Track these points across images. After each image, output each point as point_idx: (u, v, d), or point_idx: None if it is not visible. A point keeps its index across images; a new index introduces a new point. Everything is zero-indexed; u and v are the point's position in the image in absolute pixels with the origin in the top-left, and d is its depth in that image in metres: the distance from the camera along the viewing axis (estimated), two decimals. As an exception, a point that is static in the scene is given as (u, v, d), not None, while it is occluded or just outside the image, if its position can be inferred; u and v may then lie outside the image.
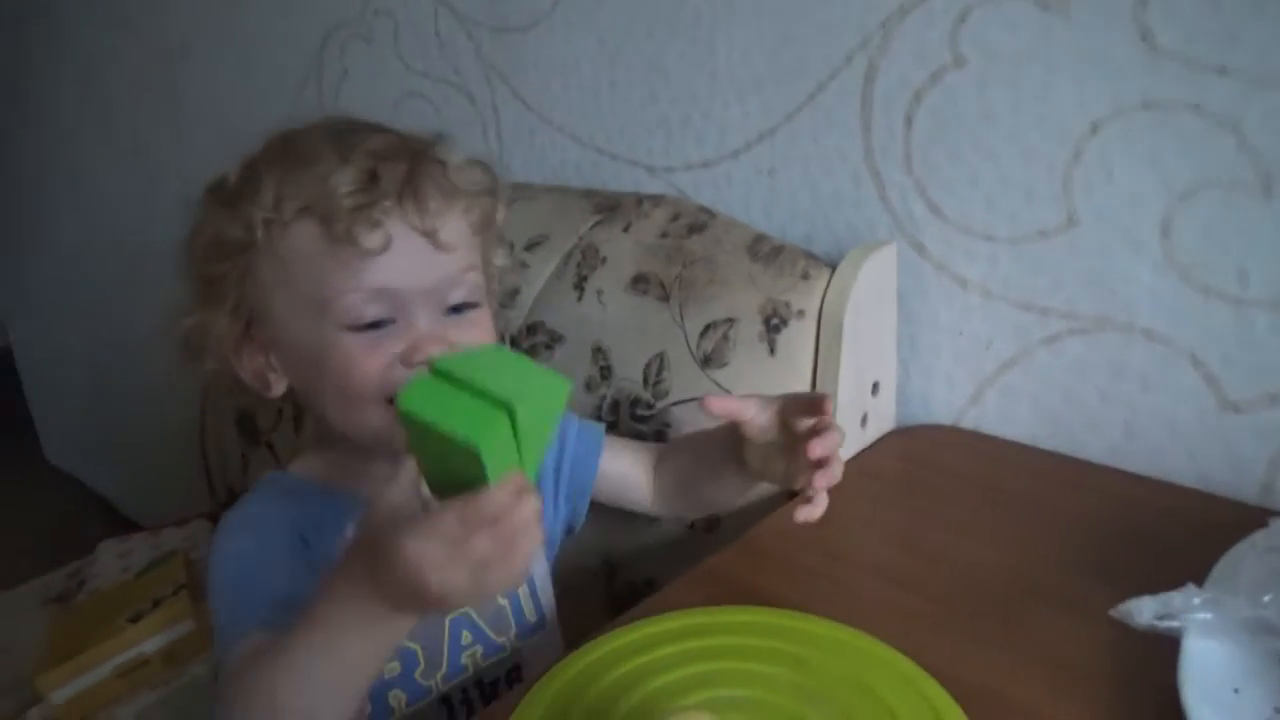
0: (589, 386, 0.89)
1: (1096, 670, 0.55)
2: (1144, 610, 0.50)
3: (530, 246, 0.96)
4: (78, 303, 2.18)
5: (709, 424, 0.81)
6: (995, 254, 0.79)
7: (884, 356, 0.84)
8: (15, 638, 1.22)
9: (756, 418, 0.66)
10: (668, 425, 0.85)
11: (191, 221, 0.69)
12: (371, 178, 0.62)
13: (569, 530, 0.81)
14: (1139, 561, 0.63)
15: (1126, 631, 0.51)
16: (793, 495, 0.72)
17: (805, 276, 0.79)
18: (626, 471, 0.79)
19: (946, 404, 0.86)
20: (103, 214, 1.98)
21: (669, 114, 0.98)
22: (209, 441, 1.43)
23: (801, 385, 0.79)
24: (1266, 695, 0.48)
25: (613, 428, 0.86)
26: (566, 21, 1.04)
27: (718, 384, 0.82)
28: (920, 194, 0.82)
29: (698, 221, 0.88)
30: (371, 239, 0.61)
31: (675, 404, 0.84)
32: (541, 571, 0.78)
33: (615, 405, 0.88)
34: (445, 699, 0.72)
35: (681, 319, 0.84)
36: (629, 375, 0.87)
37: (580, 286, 0.91)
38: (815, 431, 0.62)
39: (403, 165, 0.63)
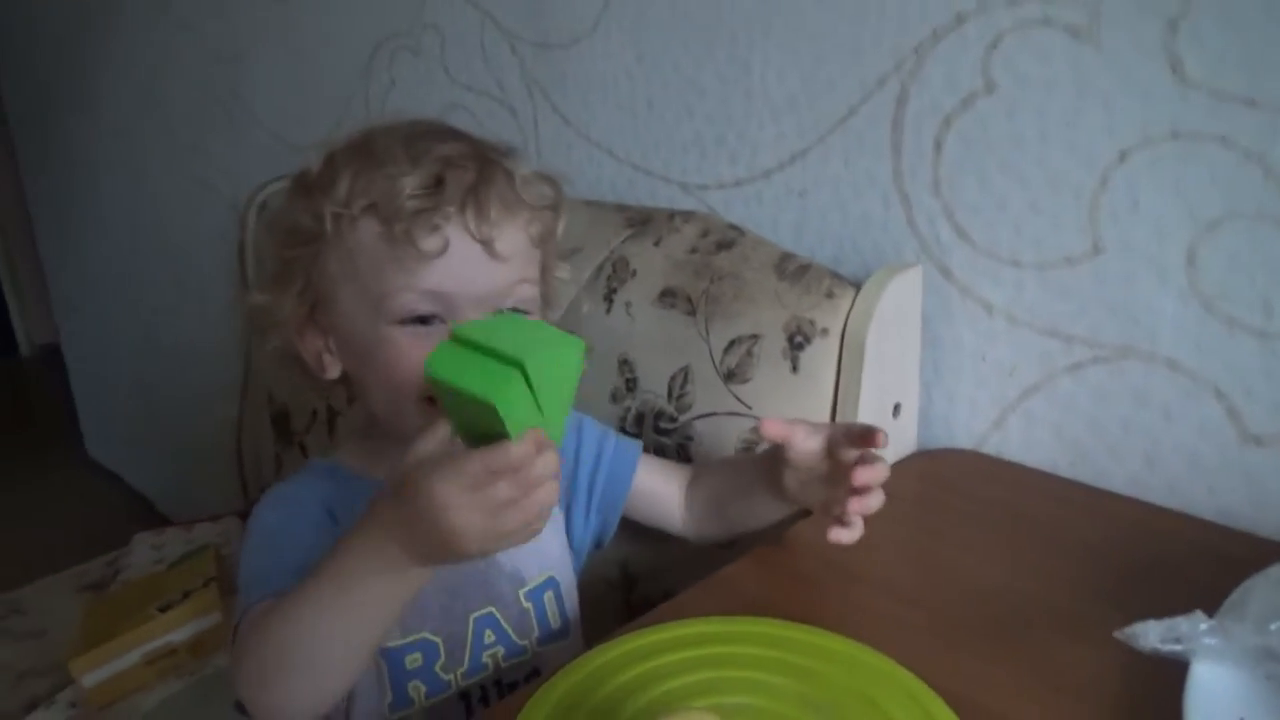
0: (614, 398, 0.91)
1: (1102, 693, 0.55)
2: (1149, 634, 0.50)
3: (563, 258, 0.98)
4: (125, 303, 2.23)
5: (731, 439, 0.83)
6: (1021, 279, 0.80)
7: (906, 378, 0.85)
8: (51, 623, 1.25)
9: (805, 442, 0.67)
10: (690, 439, 0.86)
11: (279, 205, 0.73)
12: (438, 182, 0.64)
13: (598, 544, 0.82)
14: (1153, 591, 0.63)
15: (1134, 656, 0.51)
16: (808, 513, 0.73)
17: (830, 295, 0.80)
18: (659, 489, 0.80)
19: (968, 428, 0.86)
20: (153, 215, 2.03)
21: (704, 132, 0.99)
22: (245, 441, 1.46)
23: (823, 403, 0.80)
24: (1271, 724, 0.48)
25: (635, 439, 0.87)
26: (607, 40, 1.06)
27: (740, 399, 0.83)
28: (948, 218, 0.82)
29: (727, 238, 0.89)
30: (429, 242, 0.63)
31: (698, 418, 0.85)
32: (568, 580, 0.79)
33: (640, 417, 0.89)
34: (464, 695, 0.73)
35: (707, 333, 0.85)
36: (653, 388, 0.88)
37: (609, 298, 0.92)
38: (862, 460, 0.63)
39: (470, 173, 0.66)
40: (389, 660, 0.70)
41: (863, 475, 0.62)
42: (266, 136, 1.64)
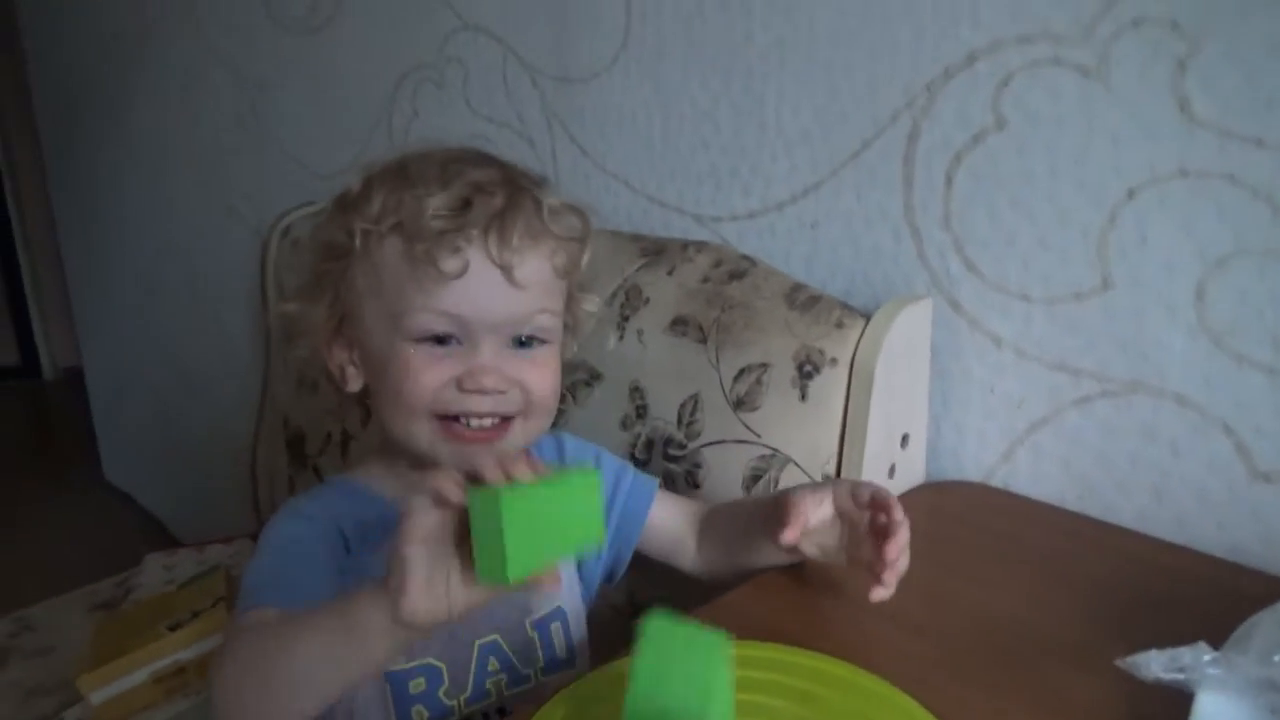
0: (624, 425, 0.91)
1: (1105, 725, 0.55)
2: (1152, 663, 0.50)
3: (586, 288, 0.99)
4: (145, 328, 2.26)
5: (740, 467, 0.83)
6: (1030, 313, 0.80)
7: (915, 409, 0.85)
8: (60, 641, 1.26)
9: (816, 514, 0.67)
10: (699, 465, 0.86)
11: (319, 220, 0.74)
12: (464, 205, 0.65)
13: (609, 578, 0.82)
14: (1158, 624, 0.62)
15: (1138, 687, 0.51)
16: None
17: (840, 325, 0.81)
18: (673, 527, 0.80)
19: (977, 461, 0.86)
20: (176, 238, 2.05)
21: (718, 164, 1.00)
22: (260, 464, 1.47)
23: (831, 432, 0.80)
24: (1273, 756, 0.48)
25: (645, 466, 0.88)
26: (625, 74, 1.08)
27: (749, 427, 0.83)
28: (958, 252, 0.83)
29: (739, 268, 0.90)
30: (449, 263, 0.64)
31: (707, 445, 0.86)
32: (576, 610, 0.79)
33: (650, 444, 0.89)
34: (467, 720, 0.73)
35: (717, 362, 0.86)
36: (663, 415, 0.89)
37: (622, 326, 0.93)
38: (888, 531, 0.64)
39: (498, 199, 0.66)
40: (393, 684, 0.71)
41: (893, 550, 0.63)
42: (291, 164, 1.67)
